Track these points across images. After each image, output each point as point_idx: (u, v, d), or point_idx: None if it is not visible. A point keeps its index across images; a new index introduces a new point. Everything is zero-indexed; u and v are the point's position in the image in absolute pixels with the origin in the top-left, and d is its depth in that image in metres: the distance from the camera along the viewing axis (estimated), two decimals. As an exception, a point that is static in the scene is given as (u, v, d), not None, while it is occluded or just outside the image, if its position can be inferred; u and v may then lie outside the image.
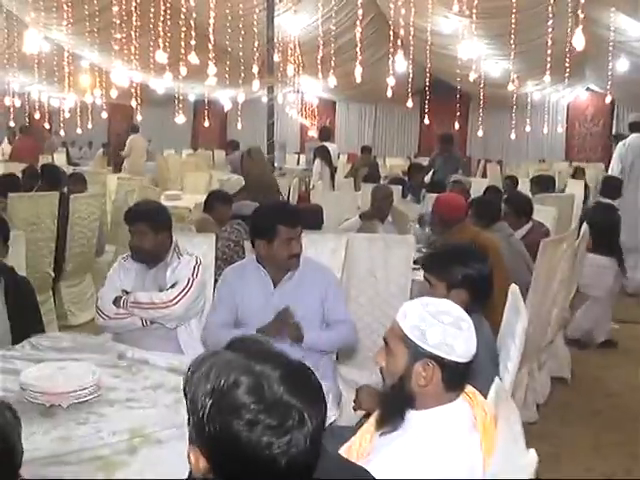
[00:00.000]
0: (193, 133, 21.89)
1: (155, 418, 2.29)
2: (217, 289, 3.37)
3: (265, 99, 17.87)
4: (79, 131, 18.72)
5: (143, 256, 3.54)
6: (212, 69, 10.30)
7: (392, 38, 13.10)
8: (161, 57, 10.12)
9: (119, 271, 3.58)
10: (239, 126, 17.43)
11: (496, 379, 2.02)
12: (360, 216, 5.98)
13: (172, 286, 3.44)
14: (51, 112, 19.84)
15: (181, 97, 17.24)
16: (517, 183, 9.10)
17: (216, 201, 5.46)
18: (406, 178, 9.02)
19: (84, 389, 2.39)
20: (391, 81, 11.79)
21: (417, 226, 5.82)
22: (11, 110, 17.59)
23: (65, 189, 6.66)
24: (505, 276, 3.67)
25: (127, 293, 3.48)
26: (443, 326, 1.84)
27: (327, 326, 3.29)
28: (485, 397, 1.94)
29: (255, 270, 3.29)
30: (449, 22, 13.56)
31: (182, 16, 11.92)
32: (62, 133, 19.16)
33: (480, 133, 15.95)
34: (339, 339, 3.28)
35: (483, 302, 2.52)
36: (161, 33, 11.94)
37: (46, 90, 18.46)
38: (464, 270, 2.52)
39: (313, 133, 17.89)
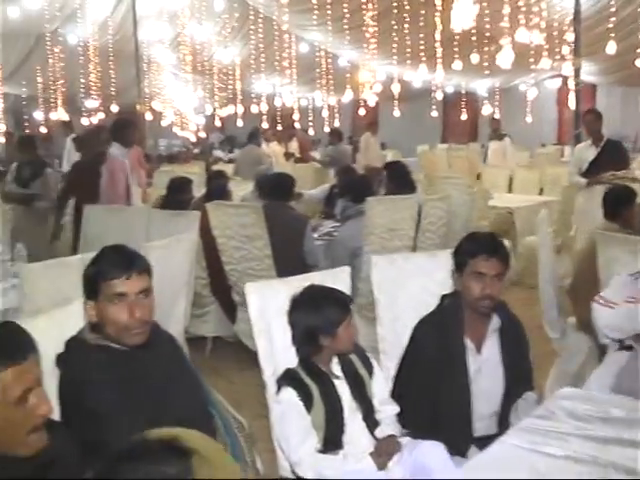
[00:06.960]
0: (444, 127, 21.03)
1: None
2: None
3: (523, 87, 16.77)
4: (327, 129, 18.68)
5: None
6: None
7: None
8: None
9: None
10: (497, 117, 16.42)
11: None
12: None
13: None
14: (301, 112, 20.00)
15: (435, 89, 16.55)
16: None
17: (621, 203, 4.51)
18: None
19: None
20: None
21: None
22: (265, 112, 17.94)
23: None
24: None
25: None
26: None
27: None
28: None
29: None
30: None
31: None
32: (311, 132, 19.30)
33: None
34: None
35: None
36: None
37: (297, 91, 18.61)
38: None
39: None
